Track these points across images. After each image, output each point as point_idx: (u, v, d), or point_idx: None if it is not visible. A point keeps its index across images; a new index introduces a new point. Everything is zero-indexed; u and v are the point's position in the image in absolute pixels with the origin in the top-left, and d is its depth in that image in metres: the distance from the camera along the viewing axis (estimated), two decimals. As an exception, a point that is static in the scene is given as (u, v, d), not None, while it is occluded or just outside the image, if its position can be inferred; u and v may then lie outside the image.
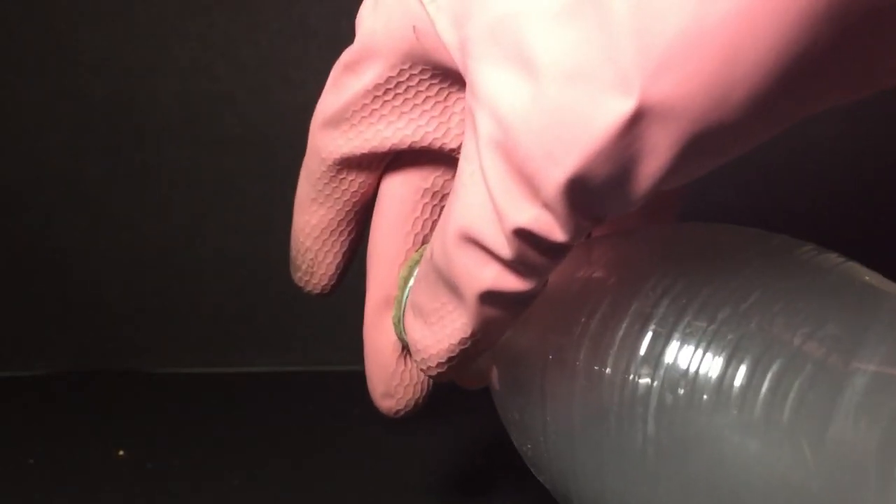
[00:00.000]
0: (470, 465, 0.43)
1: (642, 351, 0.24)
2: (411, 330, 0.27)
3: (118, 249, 0.55)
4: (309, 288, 0.33)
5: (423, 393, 0.32)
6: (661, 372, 0.24)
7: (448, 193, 0.29)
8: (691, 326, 0.24)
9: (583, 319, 0.26)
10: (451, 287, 0.24)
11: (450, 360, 0.26)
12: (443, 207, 0.29)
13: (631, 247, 0.28)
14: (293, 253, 0.33)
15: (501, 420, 0.31)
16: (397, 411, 0.32)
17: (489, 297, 0.24)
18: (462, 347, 0.26)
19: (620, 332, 0.25)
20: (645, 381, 0.24)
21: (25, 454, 0.44)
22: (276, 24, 0.52)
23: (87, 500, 0.40)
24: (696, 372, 0.23)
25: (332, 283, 0.33)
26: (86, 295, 0.56)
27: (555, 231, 0.22)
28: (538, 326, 0.28)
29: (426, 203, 0.30)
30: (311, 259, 0.32)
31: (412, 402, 0.32)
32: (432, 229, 0.30)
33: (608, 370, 0.25)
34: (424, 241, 0.31)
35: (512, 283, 0.23)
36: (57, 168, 0.54)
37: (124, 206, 0.55)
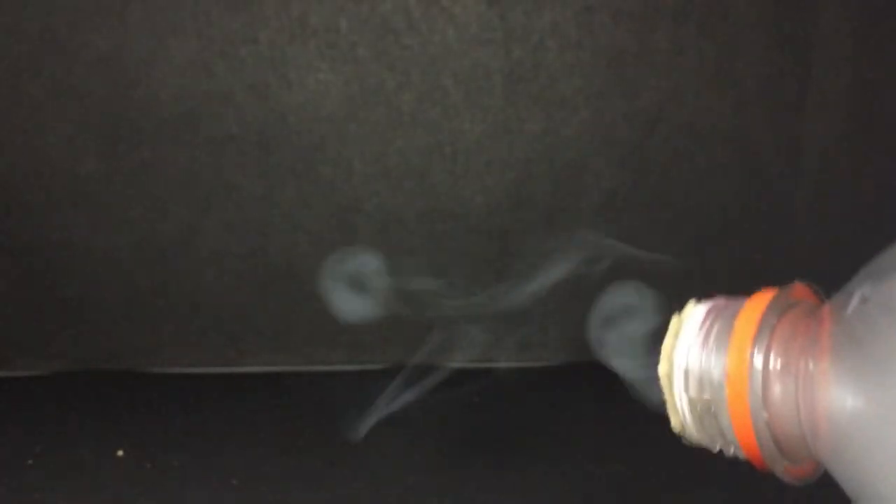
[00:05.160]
0: (465, 463, 0.43)
1: None
2: None
3: (117, 249, 0.55)
4: None
5: None
6: None
7: None
8: None
9: None
10: None
11: None
12: None
13: None
14: None
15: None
16: None
17: None
18: None
19: None
20: None
21: (25, 454, 0.44)
22: (276, 23, 0.52)
23: (87, 500, 0.40)
24: None
25: None
26: (85, 295, 0.56)
27: None
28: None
29: None
30: None
31: None
32: None
33: None
34: None
35: None
36: (55, 167, 0.54)
37: (123, 206, 0.55)
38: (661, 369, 0.25)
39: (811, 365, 0.23)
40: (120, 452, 0.44)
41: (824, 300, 0.25)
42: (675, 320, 0.26)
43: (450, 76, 0.52)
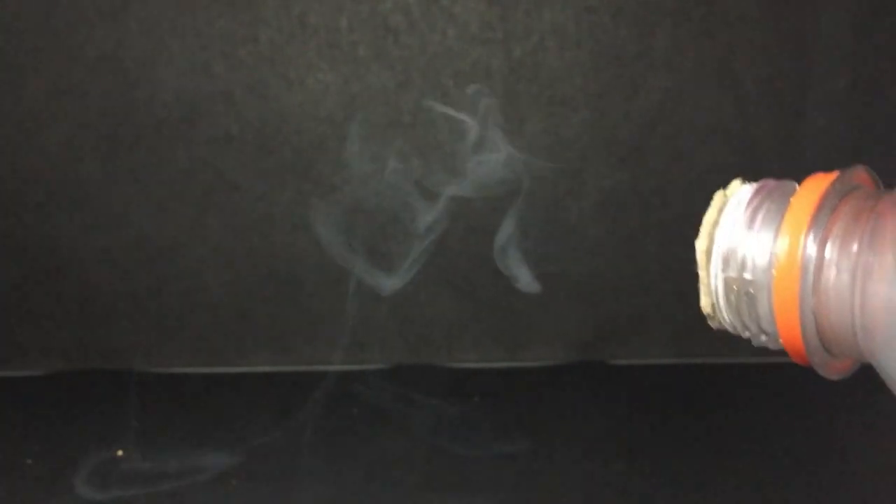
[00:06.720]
0: (465, 463, 0.43)
1: None
2: None
3: (117, 249, 0.55)
4: None
5: None
6: None
7: None
8: None
9: None
10: None
11: None
12: None
13: None
14: None
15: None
16: None
17: None
18: None
19: None
20: None
21: (24, 454, 0.44)
22: (275, 23, 0.52)
23: (86, 500, 0.40)
24: None
25: None
26: (85, 295, 0.56)
27: None
28: None
29: None
30: None
31: None
32: None
33: None
34: None
35: None
36: (55, 167, 0.54)
37: (123, 205, 0.55)
38: (700, 245, 0.24)
39: (872, 254, 0.21)
40: (120, 452, 0.44)
41: (883, 187, 0.24)
42: (719, 195, 0.24)
43: (450, 76, 0.52)
